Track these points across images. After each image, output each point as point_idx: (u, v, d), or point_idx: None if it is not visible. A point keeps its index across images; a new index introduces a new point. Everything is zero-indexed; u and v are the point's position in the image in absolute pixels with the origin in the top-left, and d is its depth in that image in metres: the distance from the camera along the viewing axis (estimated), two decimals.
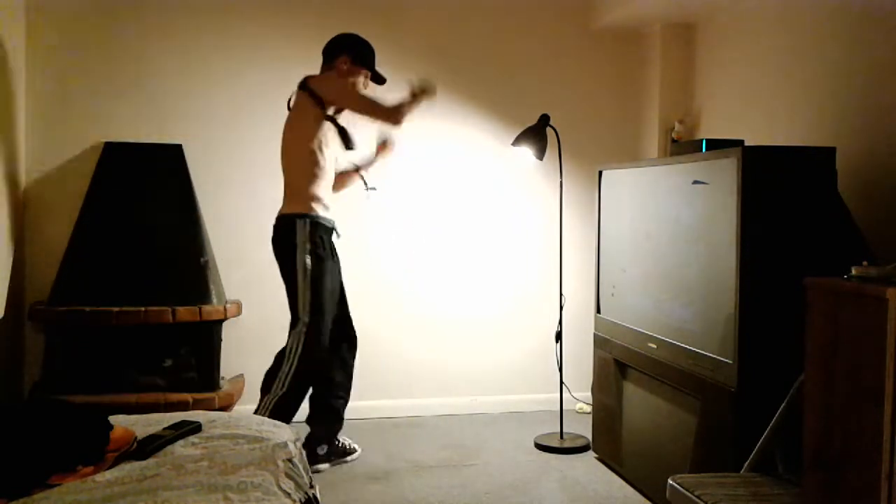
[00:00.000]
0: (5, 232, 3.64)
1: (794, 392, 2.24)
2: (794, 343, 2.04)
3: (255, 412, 3.20)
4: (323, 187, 3.37)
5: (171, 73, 4.02)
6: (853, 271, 1.85)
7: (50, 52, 3.90)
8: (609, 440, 3.41)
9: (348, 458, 3.50)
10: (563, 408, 3.91)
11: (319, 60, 4.18)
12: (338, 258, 3.47)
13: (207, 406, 3.56)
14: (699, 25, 4.14)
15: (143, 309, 3.62)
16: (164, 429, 2.21)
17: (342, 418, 3.48)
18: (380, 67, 4.03)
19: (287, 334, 3.32)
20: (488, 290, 4.39)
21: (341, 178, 3.60)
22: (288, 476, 2.00)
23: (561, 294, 3.90)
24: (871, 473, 1.67)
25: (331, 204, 3.42)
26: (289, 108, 3.40)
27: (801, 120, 3.25)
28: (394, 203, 4.25)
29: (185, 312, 3.66)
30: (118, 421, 2.26)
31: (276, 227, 3.34)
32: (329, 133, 3.35)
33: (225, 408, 3.65)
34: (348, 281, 4.25)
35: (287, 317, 4.17)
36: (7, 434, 1.93)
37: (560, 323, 3.88)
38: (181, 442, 2.15)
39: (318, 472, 3.28)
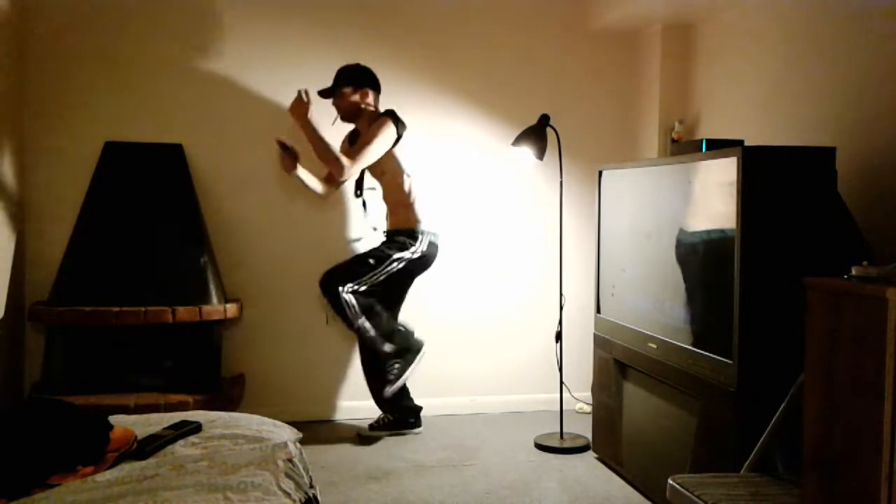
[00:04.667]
0: (5, 232, 3.64)
1: (794, 392, 2.24)
2: (794, 343, 2.04)
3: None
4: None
5: (171, 73, 4.02)
6: (853, 271, 1.85)
7: (50, 52, 3.90)
8: (609, 440, 3.41)
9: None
10: (563, 408, 3.91)
11: (318, 60, 4.19)
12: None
13: (207, 406, 3.56)
14: (699, 25, 4.14)
15: (143, 309, 3.61)
16: (164, 429, 2.21)
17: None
18: (380, 67, 4.04)
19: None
20: (488, 290, 4.39)
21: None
22: (288, 476, 2.00)
23: (561, 294, 3.90)
24: (872, 473, 1.67)
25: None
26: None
27: (801, 120, 3.25)
28: None
29: (185, 312, 3.65)
30: (118, 421, 2.26)
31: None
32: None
33: (225, 408, 3.64)
34: None
35: (286, 318, 4.19)
36: (7, 434, 1.94)
37: (560, 323, 3.88)
38: (181, 442, 2.15)
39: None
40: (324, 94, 3.74)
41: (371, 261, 3.68)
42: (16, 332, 3.80)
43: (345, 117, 3.78)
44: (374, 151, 3.63)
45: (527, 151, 3.79)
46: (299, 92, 3.48)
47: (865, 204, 2.77)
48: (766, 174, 2.45)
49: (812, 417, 1.89)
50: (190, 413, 2.46)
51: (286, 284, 4.16)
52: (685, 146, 3.13)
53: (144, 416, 2.45)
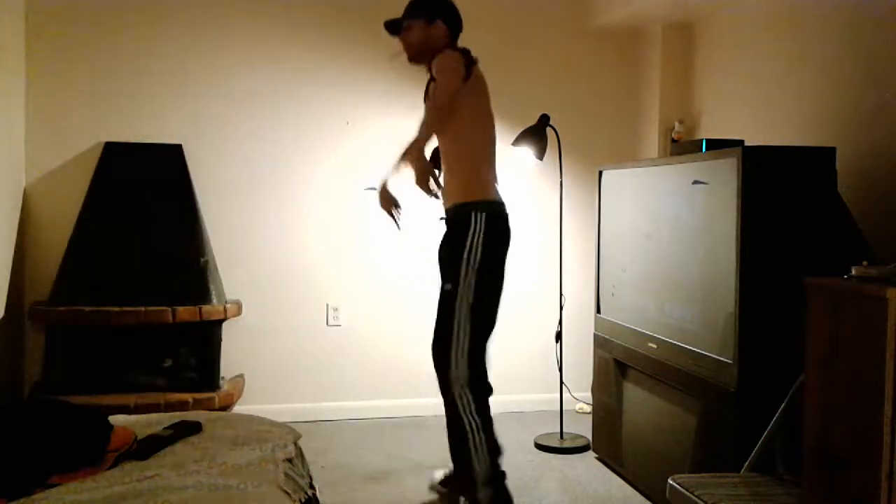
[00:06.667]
0: (5, 232, 3.64)
1: (794, 392, 2.24)
2: (794, 343, 2.04)
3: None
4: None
5: (170, 73, 4.02)
6: (853, 271, 1.85)
7: (50, 52, 3.90)
8: (609, 440, 3.41)
9: None
10: (563, 408, 3.91)
11: (318, 60, 4.20)
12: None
13: (207, 406, 3.56)
14: (699, 25, 4.14)
15: (143, 309, 3.62)
16: (164, 429, 2.21)
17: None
18: (380, 67, 4.04)
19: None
20: None
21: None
22: (288, 476, 2.00)
23: (561, 294, 3.90)
24: (871, 473, 1.67)
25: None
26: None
27: (801, 120, 3.25)
28: None
29: (185, 312, 3.66)
30: (118, 421, 2.26)
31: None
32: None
33: (225, 408, 3.65)
34: (346, 281, 4.26)
35: (286, 318, 4.18)
36: (7, 434, 1.94)
37: (560, 323, 3.88)
38: (181, 442, 2.15)
39: None
40: (390, 28, 3.00)
41: (447, 286, 2.79)
42: (16, 332, 3.80)
43: (413, 57, 2.97)
44: (447, 82, 2.71)
45: (527, 151, 3.79)
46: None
47: (865, 204, 2.77)
48: (766, 174, 2.45)
49: (812, 417, 1.89)
50: (190, 413, 2.46)
51: (286, 284, 4.16)
52: (685, 146, 3.13)
53: (144, 416, 2.44)
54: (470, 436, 2.74)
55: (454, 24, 2.98)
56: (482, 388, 2.79)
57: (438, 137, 2.88)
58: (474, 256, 2.75)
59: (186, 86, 4.04)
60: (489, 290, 2.81)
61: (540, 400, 4.33)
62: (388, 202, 2.76)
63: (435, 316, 2.85)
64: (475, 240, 2.76)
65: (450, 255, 2.80)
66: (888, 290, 1.62)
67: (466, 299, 2.74)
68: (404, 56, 2.98)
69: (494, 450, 2.80)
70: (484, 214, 2.78)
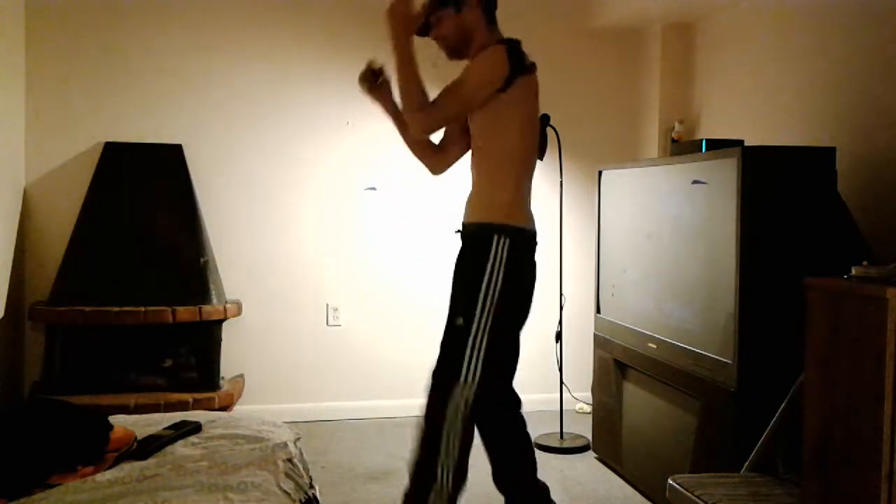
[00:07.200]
0: (5, 232, 3.64)
1: (794, 392, 2.24)
2: (794, 343, 2.04)
3: None
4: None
5: (170, 73, 4.02)
6: (853, 271, 1.85)
7: (50, 52, 3.90)
8: (609, 440, 3.41)
9: None
10: (563, 408, 3.91)
11: (318, 61, 4.19)
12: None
13: (207, 406, 3.56)
14: (699, 25, 4.14)
15: (143, 309, 3.62)
16: (164, 429, 2.21)
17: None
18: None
19: None
20: None
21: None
22: (288, 476, 2.00)
23: (561, 294, 3.90)
24: (871, 473, 1.67)
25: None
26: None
27: (801, 120, 3.25)
28: (394, 203, 4.26)
29: (185, 312, 3.66)
30: (118, 421, 2.26)
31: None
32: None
33: (225, 408, 3.65)
34: (346, 281, 4.26)
35: (286, 318, 4.18)
36: (7, 434, 1.93)
37: (560, 323, 3.88)
38: (181, 442, 2.15)
39: None
40: (419, 30, 2.55)
41: (459, 320, 2.33)
42: (16, 332, 3.80)
43: (452, 52, 2.56)
44: (465, 92, 2.38)
45: None
46: None
47: (865, 204, 2.77)
48: (766, 174, 2.45)
49: (812, 417, 1.88)
50: (190, 413, 2.46)
51: (286, 284, 4.16)
52: (685, 146, 3.13)
53: (144, 416, 2.45)
54: (444, 437, 2.41)
55: (488, 5, 2.56)
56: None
57: (473, 144, 2.52)
58: (494, 288, 2.31)
59: (186, 86, 4.04)
60: (508, 328, 2.39)
61: (540, 400, 4.32)
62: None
63: (438, 351, 2.42)
64: (495, 269, 2.31)
65: (465, 283, 2.37)
66: (888, 290, 1.62)
67: (481, 339, 2.31)
68: (443, 56, 2.59)
69: (461, 473, 2.50)
70: (508, 241, 2.32)
